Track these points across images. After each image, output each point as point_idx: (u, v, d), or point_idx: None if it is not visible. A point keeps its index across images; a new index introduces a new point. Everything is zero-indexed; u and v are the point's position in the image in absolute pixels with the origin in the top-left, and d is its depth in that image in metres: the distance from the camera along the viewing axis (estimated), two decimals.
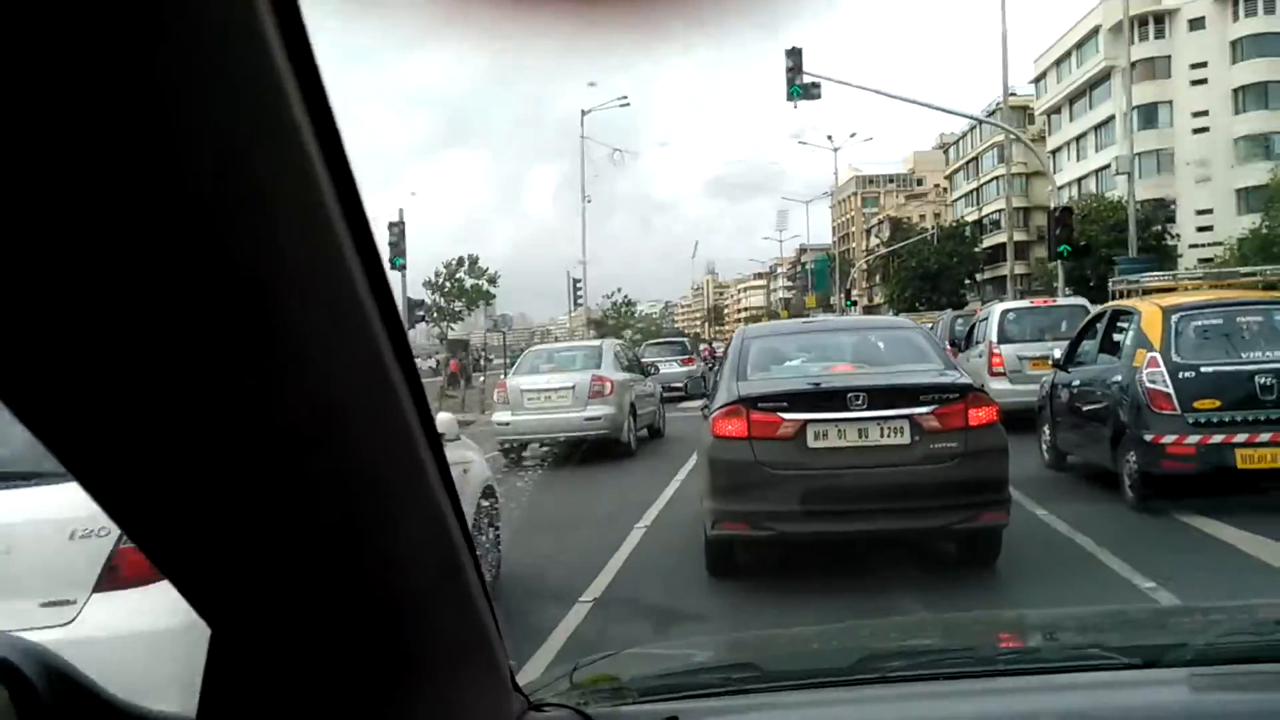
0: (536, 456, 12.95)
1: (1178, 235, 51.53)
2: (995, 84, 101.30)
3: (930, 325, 15.12)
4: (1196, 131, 54.31)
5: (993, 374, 12.21)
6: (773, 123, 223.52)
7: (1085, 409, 8.28)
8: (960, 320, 19.83)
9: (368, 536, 0.66)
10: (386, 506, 0.67)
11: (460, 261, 39.61)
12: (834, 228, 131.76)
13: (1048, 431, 9.35)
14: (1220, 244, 52.97)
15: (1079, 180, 64.99)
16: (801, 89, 19.02)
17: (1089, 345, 8.73)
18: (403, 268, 23.40)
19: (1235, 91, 53.10)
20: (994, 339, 12.91)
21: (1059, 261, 22.65)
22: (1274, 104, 51.94)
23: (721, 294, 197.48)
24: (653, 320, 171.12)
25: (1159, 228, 51.07)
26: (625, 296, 60.92)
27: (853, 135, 53.80)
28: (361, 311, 0.57)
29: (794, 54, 18.81)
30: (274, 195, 0.46)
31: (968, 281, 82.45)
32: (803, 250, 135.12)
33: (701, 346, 42.57)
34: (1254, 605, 2.08)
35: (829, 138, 53.53)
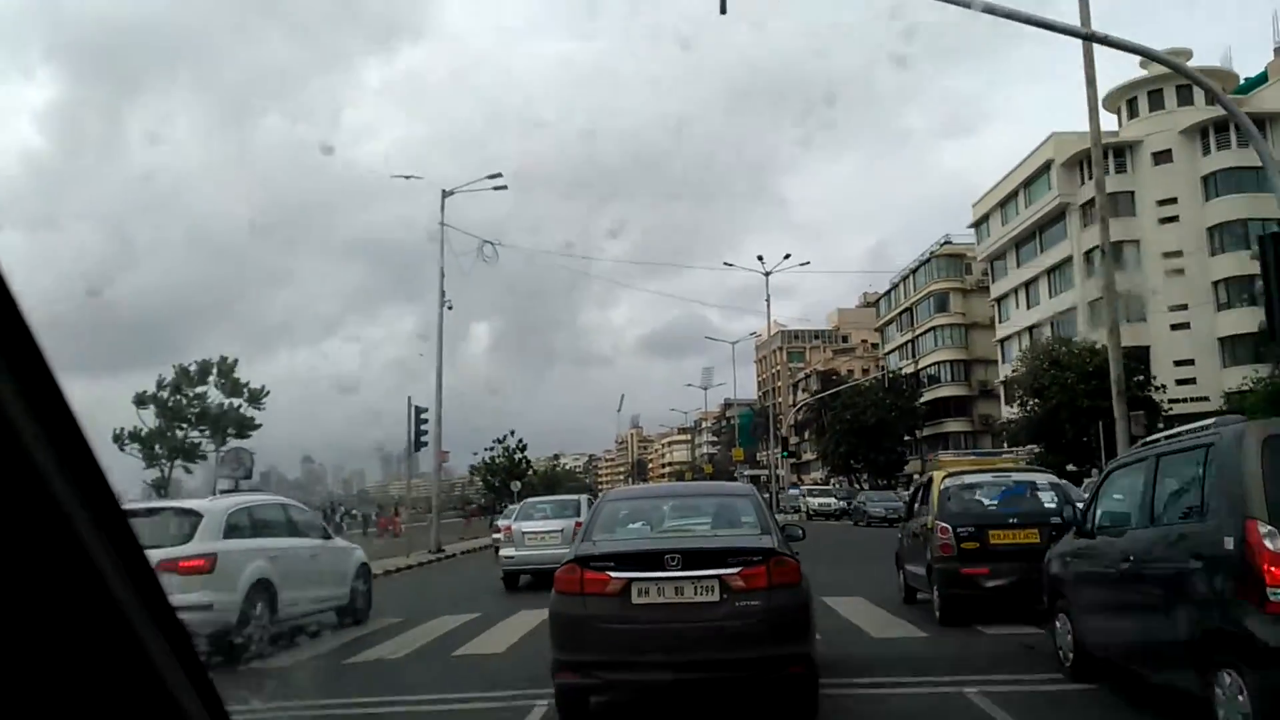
0: None
1: (1162, 387, 44.39)
2: (931, 229, 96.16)
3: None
4: (1170, 274, 48.23)
5: None
6: (705, 284, 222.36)
7: None
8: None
9: None
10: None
11: (203, 369, 28.78)
12: (759, 382, 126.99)
13: None
14: (1205, 398, 45.99)
15: (1030, 329, 58.56)
16: None
17: None
18: None
19: (1210, 230, 47.44)
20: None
21: None
22: (1255, 243, 46.23)
23: (646, 448, 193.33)
24: (573, 475, 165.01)
25: (1140, 378, 43.93)
26: (520, 441, 51.33)
27: (786, 256, 46.05)
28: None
29: None
30: None
31: (906, 438, 75.28)
32: (728, 404, 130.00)
33: None
34: None
35: (759, 258, 46.20)
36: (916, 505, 11.88)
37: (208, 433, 25.33)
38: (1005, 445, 61.67)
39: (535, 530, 16.84)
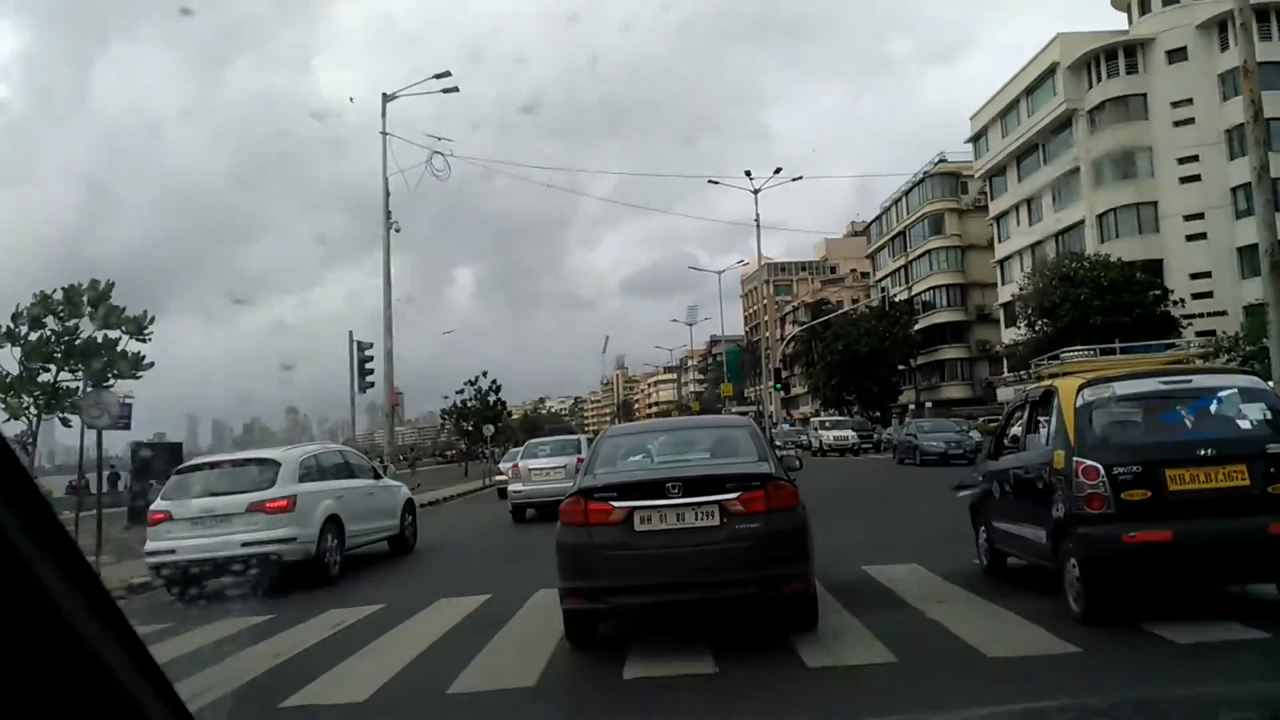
0: None
1: (1180, 301, 41.48)
2: (921, 160, 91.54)
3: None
4: (1185, 180, 45.02)
5: None
6: (690, 224, 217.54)
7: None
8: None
9: None
10: None
11: (71, 294, 22.54)
12: (745, 317, 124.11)
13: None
14: (1224, 313, 43.14)
15: (1032, 247, 55.40)
16: None
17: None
18: None
19: (1229, 133, 44.07)
20: None
21: None
22: (1278, 144, 42.95)
23: (631, 389, 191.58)
24: (559, 417, 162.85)
25: (1157, 292, 41.03)
26: (494, 382, 47.92)
27: (777, 171, 42.39)
28: None
29: None
30: None
31: (901, 367, 72.53)
32: (714, 341, 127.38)
33: None
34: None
35: (747, 173, 42.47)
36: (1018, 432, 7.96)
37: (81, 374, 21.04)
38: (1007, 370, 59.09)
39: (540, 467, 18.21)
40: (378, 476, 13.74)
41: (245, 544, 10.24)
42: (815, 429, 47.68)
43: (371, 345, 23.26)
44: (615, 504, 6.09)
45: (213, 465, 11.93)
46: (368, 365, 23.07)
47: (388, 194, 25.27)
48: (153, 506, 11.26)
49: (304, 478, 11.24)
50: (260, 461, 11.34)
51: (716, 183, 59.08)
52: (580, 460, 15.28)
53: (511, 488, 18.80)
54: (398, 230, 25.52)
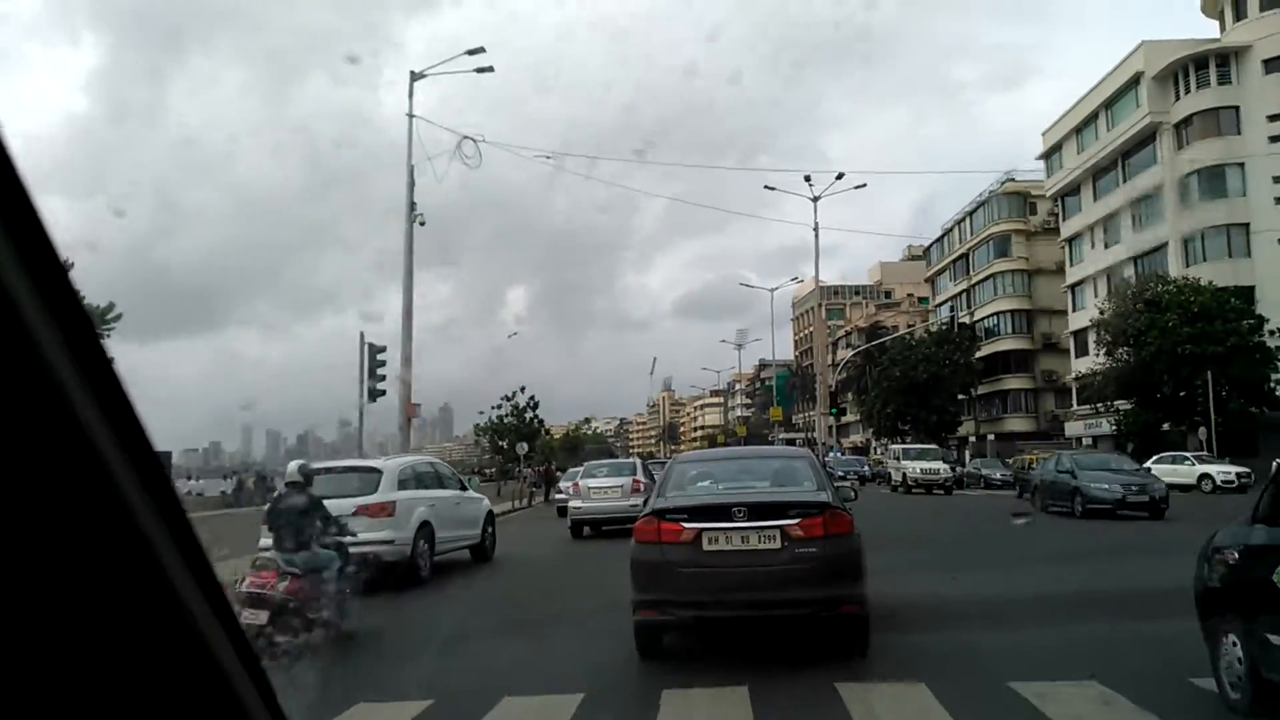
0: None
1: (1276, 331, 37.89)
2: (983, 185, 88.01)
3: None
4: None
5: None
6: (743, 244, 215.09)
7: None
8: None
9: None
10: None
11: None
12: (795, 341, 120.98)
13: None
14: None
15: (1108, 270, 51.88)
16: None
17: None
18: None
19: None
20: None
21: None
22: None
23: (678, 411, 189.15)
24: (603, 438, 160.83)
25: (1253, 321, 37.49)
26: (532, 398, 45.67)
27: (840, 176, 39.50)
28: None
29: None
30: None
31: (961, 397, 68.90)
32: (763, 365, 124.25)
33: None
34: None
35: (806, 178, 39.64)
36: None
37: None
38: (1076, 403, 55.42)
39: (598, 486, 19.43)
40: (463, 488, 14.64)
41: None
42: (895, 459, 38.80)
43: (385, 349, 21.09)
44: (686, 525, 6.60)
45: (322, 470, 12.28)
46: (379, 371, 20.87)
47: (412, 183, 23.23)
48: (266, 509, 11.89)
49: (402, 485, 12.15)
50: (365, 469, 12.41)
51: (773, 189, 56.90)
52: (636, 481, 18.92)
53: (571, 505, 19.78)
54: (422, 223, 23.47)
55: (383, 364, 20.90)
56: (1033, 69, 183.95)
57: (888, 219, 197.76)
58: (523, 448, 39.66)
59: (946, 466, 36.26)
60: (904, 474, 35.83)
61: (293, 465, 9.57)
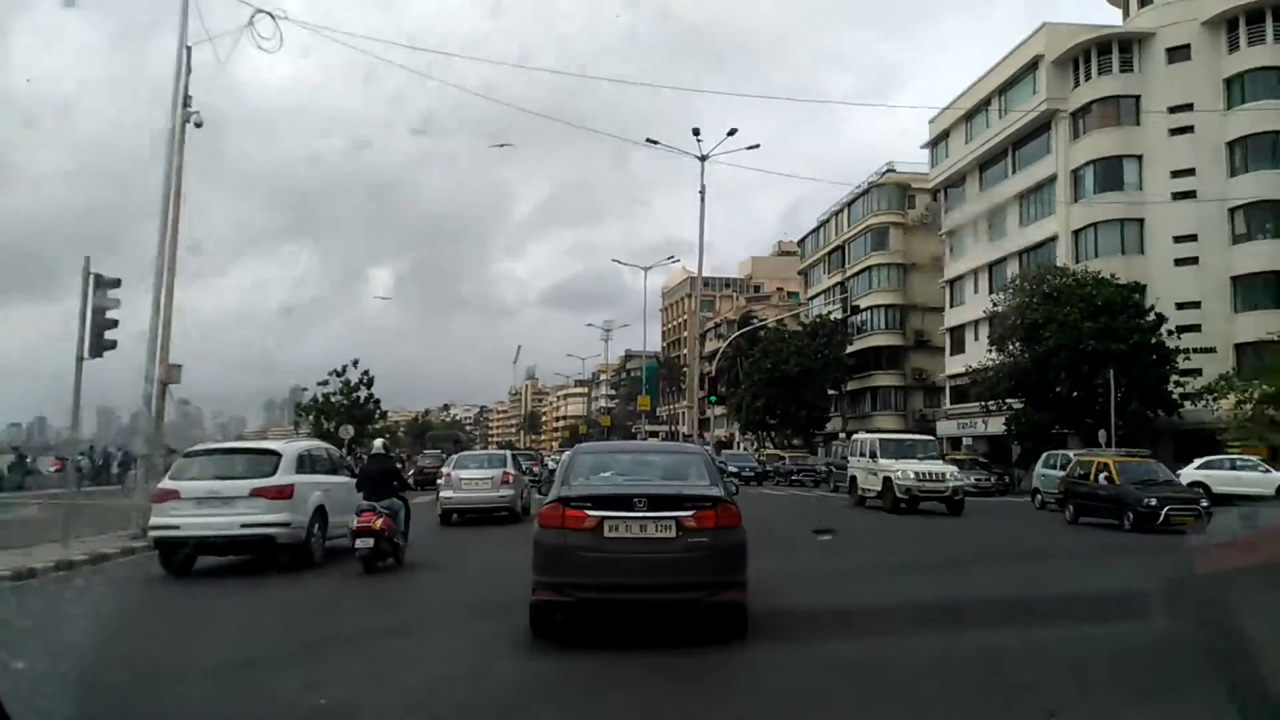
0: None
1: (1173, 331, 35.81)
2: (870, 159, 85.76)
3: None
4: (1178, 196, 39.63)
5: None
6: (615, 236, 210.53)
7: None
8: None
9: None
10: None
11: None
12: (664, 332, 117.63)
13: None
14: (1213, 350, 37.70)
15: (990, 265, 49.78)
16: None
17: None
18: None
19: (1231, 145, 38.89)
20: None
21: None
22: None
23: (540, 400, 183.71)
24: (460, 425, 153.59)
25: (1150, 317, 35.25)
26: (366, 373, 39.27)
27: (732, 132, 34.89)
28: None
29: None
30: None
31: (831, 392, 66.35)
32: (629, 356, 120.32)
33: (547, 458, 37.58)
34: None
35: (695, 132, 34.98)
36: None
37: None
38: (950, 402, 53.27)
39: (470, 477, 20.41)
40: (352, 475, 14.17)
41: (245, 525, 11.48)
42: (865, 455, 25.61)
43: (118, 283, 15.10)
44: (589, 512, 7.10)
45: (219, 451, 13.24)
46: (108, 315, 14.91)
47: (187, 71, 17.37)
48: (162, 485, 12.17)
49: (299, 469, 12.54)
50: (263, 451, 13.00)
51: (656, 143, 51.75)
52: (506, 473, 20.40)
53: (442, 494, 20.35)
54: (198, 125, 17.58)
55: (111, 302, 14.94)
56: (917, 72, 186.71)
57: (757, 222, 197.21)
58: (347, 431, 33.53)
59: (954, 469, 24.75)
60: (889, 480, 23.64)
61: (378, 442, 14.66)
